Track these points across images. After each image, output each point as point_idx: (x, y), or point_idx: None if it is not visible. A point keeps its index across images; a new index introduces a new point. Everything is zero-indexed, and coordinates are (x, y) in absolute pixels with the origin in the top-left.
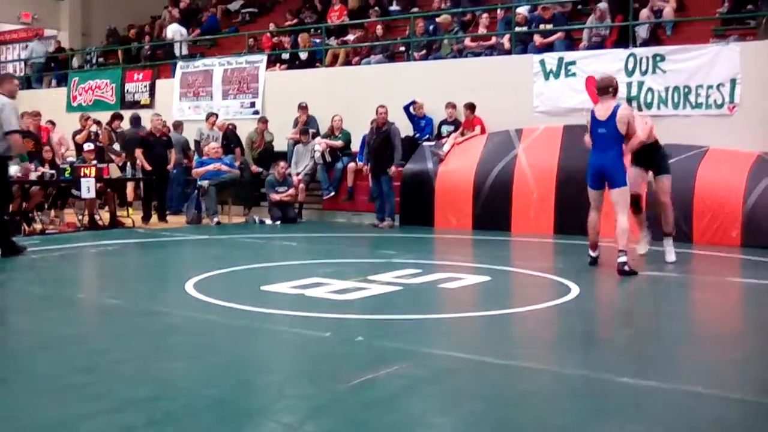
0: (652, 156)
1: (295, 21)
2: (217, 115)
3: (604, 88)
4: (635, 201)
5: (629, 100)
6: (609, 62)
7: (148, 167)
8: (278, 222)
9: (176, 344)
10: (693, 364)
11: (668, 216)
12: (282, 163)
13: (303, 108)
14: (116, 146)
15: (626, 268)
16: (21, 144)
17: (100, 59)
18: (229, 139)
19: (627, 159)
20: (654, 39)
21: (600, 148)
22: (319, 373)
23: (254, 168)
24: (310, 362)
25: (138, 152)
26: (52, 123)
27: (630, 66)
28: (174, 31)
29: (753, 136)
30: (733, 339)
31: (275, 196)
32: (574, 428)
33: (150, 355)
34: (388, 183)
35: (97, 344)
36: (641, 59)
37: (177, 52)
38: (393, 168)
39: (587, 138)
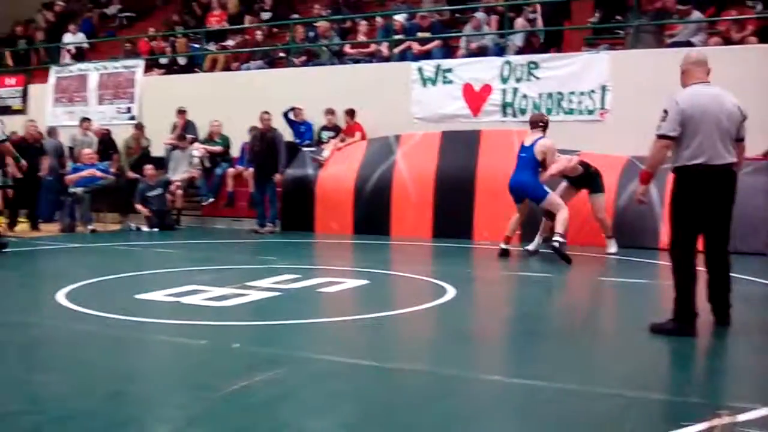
0: (583, 179)
1: (173, 25)
2: (90, 120)
3: (534, 123)
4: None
5: (504, 107)
6: (485, 69)
7: (19, 174)
8: (155, 229)
9: (46, 356)
10: (563, 361)
11: (606, 226)
12: (149, 166)
13: (181, 113)
14: None
15: (560, 248)
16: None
17: None
18: (106, 144)
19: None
20: (528, 47)
21: (518, 168)
22: (195, 382)
23: (130, 174)
24: (185, 371)
25: (9, 159)
26: None
27: (505, 73)
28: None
29: (623, 140)
30: (599, 336)
31: (142, 209)
32: (447, 427)
33: (18, 367)
34: (272, 189)
35: None
36: (516, 67)
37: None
38: (278, 175)
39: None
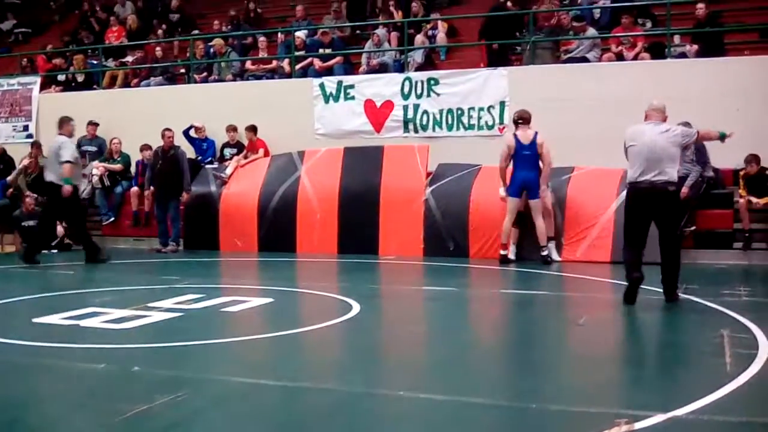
0: None
1: (71, 42)
2: None
3: (526, 119)
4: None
5: (406, 123)
6: (386, 85)
7: None
8: (54, 251)
9: None
10: (463, 375)
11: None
12: (29, 199)
13: (93, 125)
14: None
15: (548, 258)
16: (70, 172)
17: None
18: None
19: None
20: (429, 63)
21: (526, 165)
22: (94, 407)
23: (28, 194)
24: (84, 396)
25: None
26: None
27: (406, 89)
28: None
29: None
30: (496, 349)
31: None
32: None
33: None
34: (175, 208)
35: None
36: (417, 83)
37: None
38: (185, 194)
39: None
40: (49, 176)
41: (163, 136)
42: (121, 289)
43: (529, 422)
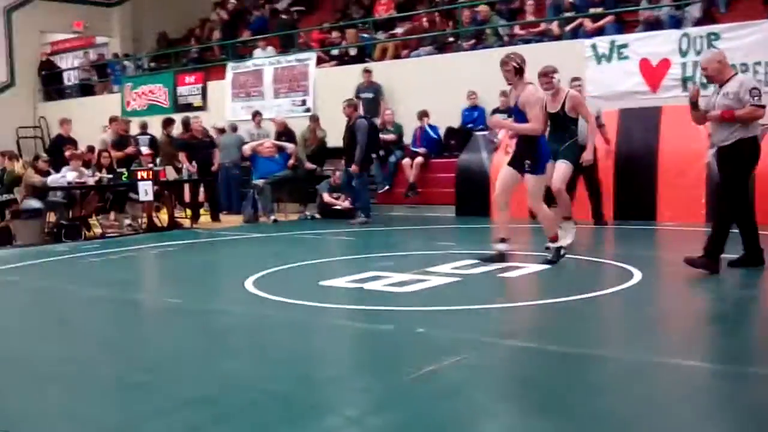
0: None
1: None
2: (261, 114)
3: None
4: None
5: (684, 81)
6: (661, 44)
7: (192, 169)
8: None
9: (237, 342)
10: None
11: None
12: (338, 173)
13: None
14: (144, 149)
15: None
16: None
17: (152, 64)
18: (283, 136)
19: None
20: (707, 17)
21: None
22: (381, 366)
23: (308, 165)
24: (371, 355)
25: (182, 155)
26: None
27: (683, 46)
28: None
29: None
30: None
31: (328, 198)
32: (646, 414)
33: (212, 353)
34: (357, 179)
35: (158, 344)
36: (695, 38)
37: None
38: (354, 166)
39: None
40: None
41: (344, 109)
42: (400, 254)
43: None
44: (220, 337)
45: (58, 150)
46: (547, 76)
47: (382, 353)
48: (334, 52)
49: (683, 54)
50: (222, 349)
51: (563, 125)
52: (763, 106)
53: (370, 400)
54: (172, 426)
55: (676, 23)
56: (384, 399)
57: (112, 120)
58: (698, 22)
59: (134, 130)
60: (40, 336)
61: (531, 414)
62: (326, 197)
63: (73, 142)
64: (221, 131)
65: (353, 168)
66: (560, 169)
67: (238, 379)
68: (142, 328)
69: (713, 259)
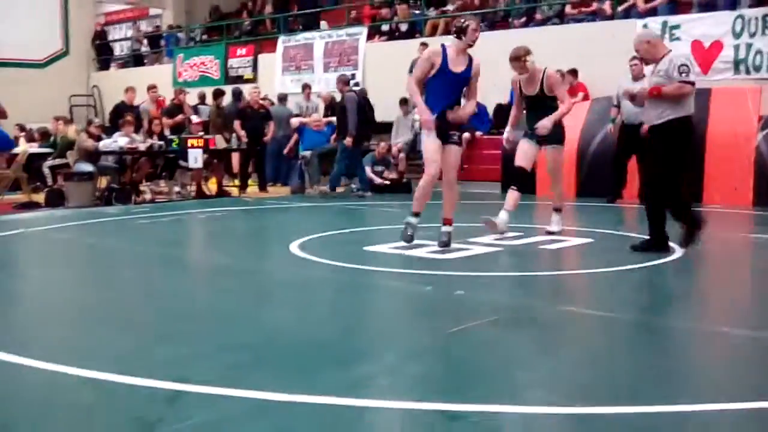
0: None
1: None
2: (310, 87)
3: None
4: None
5: (737, 64)
6: (715, 25)
7: (245, 138)
8: (368, 193)
9: (282, 297)
10: None
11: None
12: (383, 144)
13: None
14: (194, 118)
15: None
16: None
17: (204, 36)
18: (330, 110)
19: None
20: None
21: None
22: (421, 322)
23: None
24: (411, 313)
25: (236, 124)
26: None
27: (738, 28)
28: None
29: None
30: None
31: (372, 175)
32: (691, 375)
33: (257, 306)
34: (341, 152)
35: (206, 297)
36: (750, 20)
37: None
38: (348, 138)
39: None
40: None
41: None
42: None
43: None
44: (265, 292)
45: (120, 117)
46: (519, 60)
47: (422, 311)
48: (385, 27)
49: (737, 36)
50: (267, 303)
51: (543, 106)
52: (692, 83)
53: (409, 349)
54: (213, 367)
55: (732, 4)
56: (423, 349)
57: (150, 88)
58: (754, 3)
59: (193, 100)
60: (93, 286)
61: (565, 368)
62: (368, 171)
63: (135, 110)
64: (273, 103)
65: (347, 141)
66: (551, 154)
67: (280, 330)
68: (188, 283)
69: (660, 241)
